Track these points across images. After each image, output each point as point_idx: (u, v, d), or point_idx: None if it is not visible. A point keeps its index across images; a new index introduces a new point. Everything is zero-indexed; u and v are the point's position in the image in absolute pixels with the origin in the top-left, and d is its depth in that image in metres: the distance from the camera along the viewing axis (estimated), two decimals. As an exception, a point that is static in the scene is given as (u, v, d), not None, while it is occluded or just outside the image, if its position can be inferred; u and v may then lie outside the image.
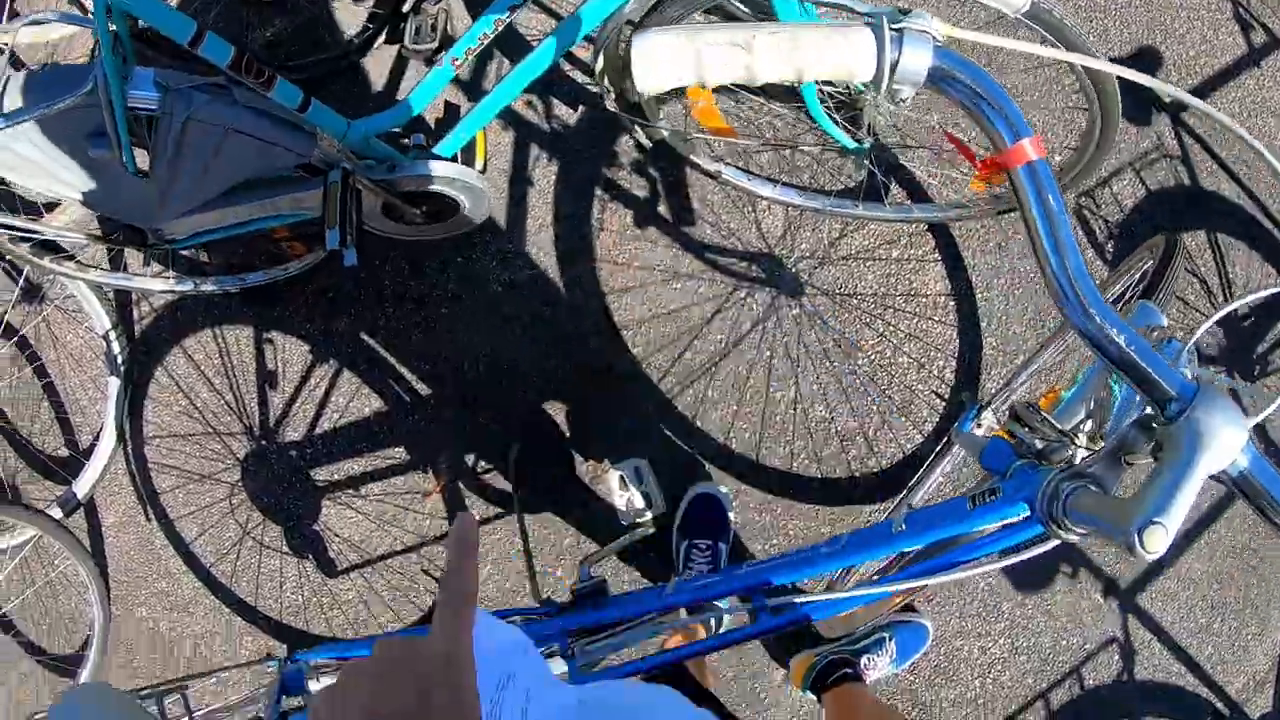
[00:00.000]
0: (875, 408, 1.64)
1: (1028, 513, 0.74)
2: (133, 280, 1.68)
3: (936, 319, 1.64)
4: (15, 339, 1.76)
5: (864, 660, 1.55)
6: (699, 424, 1.66)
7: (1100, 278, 1.54)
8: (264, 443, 1.73)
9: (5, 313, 1.72)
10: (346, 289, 1.71)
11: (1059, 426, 0.80)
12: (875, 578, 1.23)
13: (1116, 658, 1.63)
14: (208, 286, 1.68)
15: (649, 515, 1.14)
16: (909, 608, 1.63)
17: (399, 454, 1.70)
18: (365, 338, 1.70)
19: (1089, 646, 1.63)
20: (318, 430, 1.72)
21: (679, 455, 1.65)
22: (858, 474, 1.64)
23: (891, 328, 1.65)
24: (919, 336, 1.64)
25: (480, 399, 1.68)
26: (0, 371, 1.78)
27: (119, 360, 1.71)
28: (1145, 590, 1.63)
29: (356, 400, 1.71)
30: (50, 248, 1.55)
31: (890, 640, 1.58)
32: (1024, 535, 0.77)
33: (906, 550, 0.91)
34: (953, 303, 1.64)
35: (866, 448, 1.64)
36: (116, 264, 1.71)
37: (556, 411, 1.67)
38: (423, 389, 1.70)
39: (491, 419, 1.68)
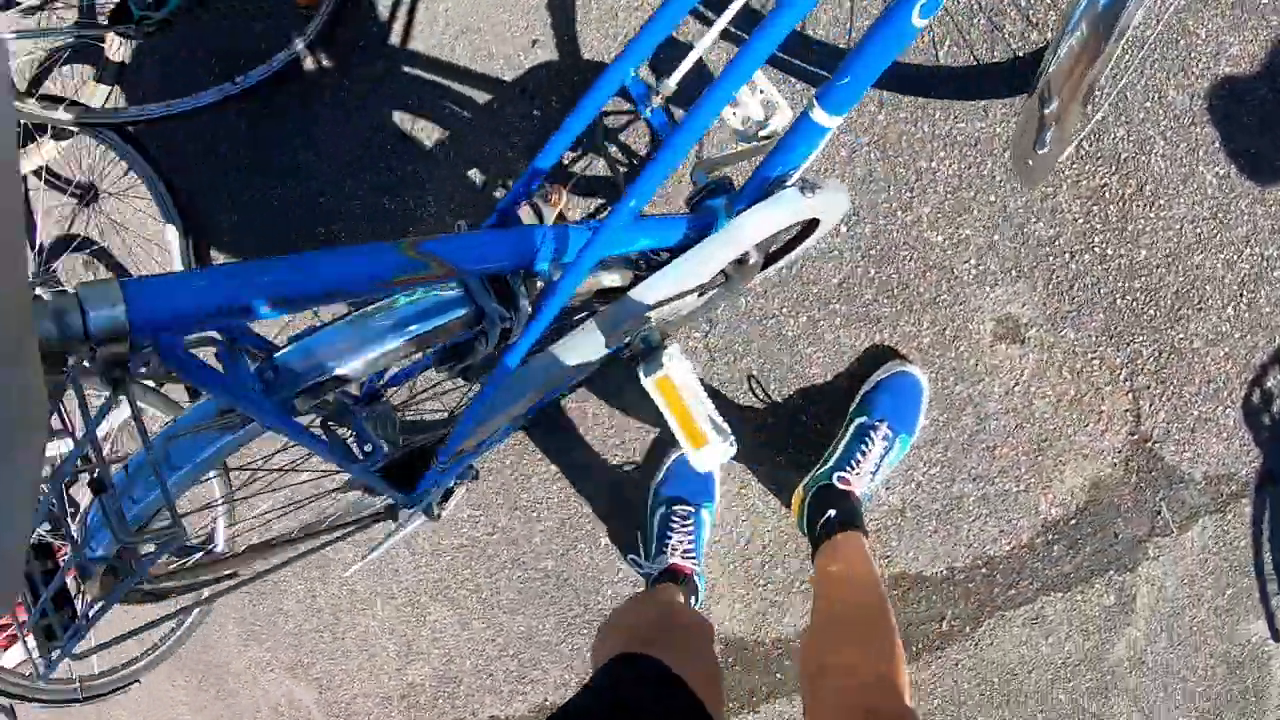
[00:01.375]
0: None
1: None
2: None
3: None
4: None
5: (850, 475, 1.39)
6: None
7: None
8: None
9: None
10: (370, 30, 1.66)
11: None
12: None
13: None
14: (208, 97, 1.65)
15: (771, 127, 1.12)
16: (887, 357, 1.48)
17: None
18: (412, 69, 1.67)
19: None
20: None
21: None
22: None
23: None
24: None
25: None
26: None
27: (169, 207, 1.76)
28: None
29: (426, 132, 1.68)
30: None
31: (874, 425, 1.40)
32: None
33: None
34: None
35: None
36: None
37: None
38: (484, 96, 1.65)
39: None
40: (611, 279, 1.04)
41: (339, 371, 0.76)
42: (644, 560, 1.55)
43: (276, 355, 0.76)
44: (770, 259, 1.26)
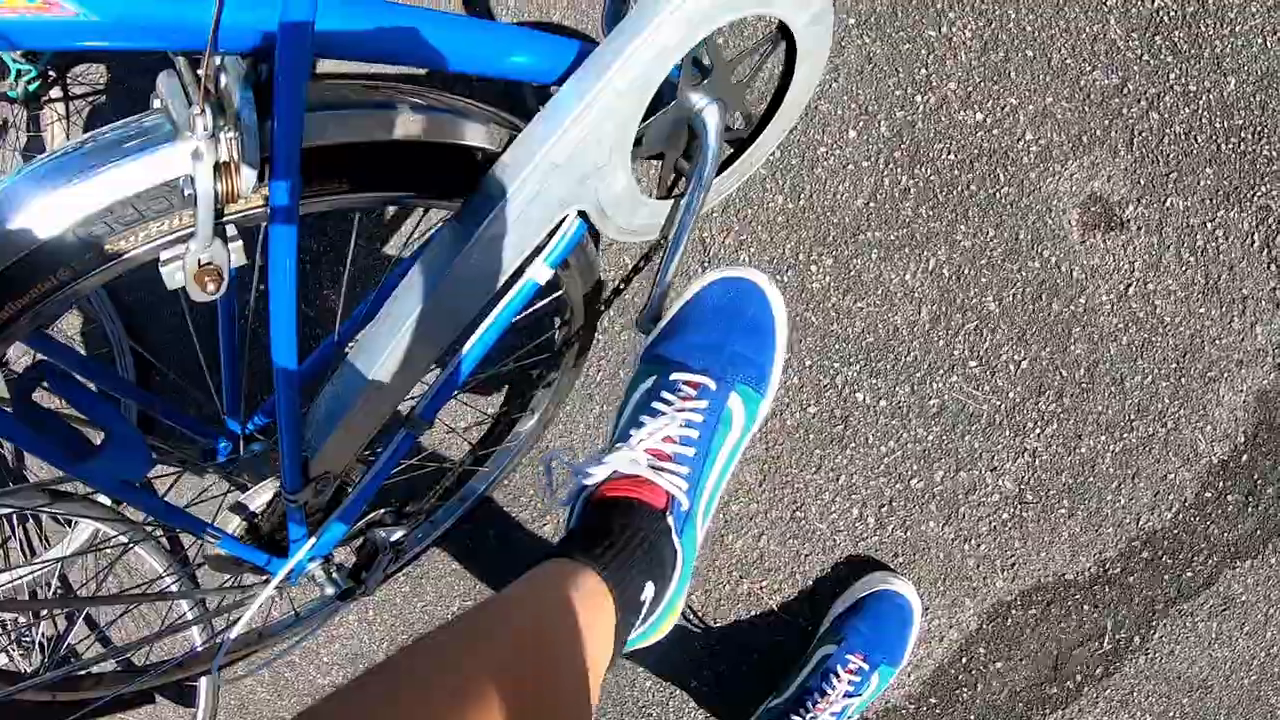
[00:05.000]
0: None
1: None
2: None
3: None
4: None
5: (815, 708, 1.10)
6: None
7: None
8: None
9: None
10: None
11: None
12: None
13: None
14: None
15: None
16: (868, 570, 1.18)
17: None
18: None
19: None
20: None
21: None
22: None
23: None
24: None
25: None
26: None
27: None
28: None
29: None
30: None
31: (844, 659, 1.10)
32: None
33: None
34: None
35: None
36: None
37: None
38: None
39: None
40: (474, 133, 0.69)
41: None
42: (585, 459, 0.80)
43: None
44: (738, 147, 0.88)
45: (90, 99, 1.55)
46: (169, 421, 0.97)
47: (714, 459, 0.79)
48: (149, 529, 1.18)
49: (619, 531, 0.71)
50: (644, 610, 0.72)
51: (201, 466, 0.98)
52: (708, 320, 0.83)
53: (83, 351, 1.57)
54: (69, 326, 1.59)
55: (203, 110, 0.56)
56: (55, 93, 1.51)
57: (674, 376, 0.80)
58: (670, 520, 0.74)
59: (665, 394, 0.79)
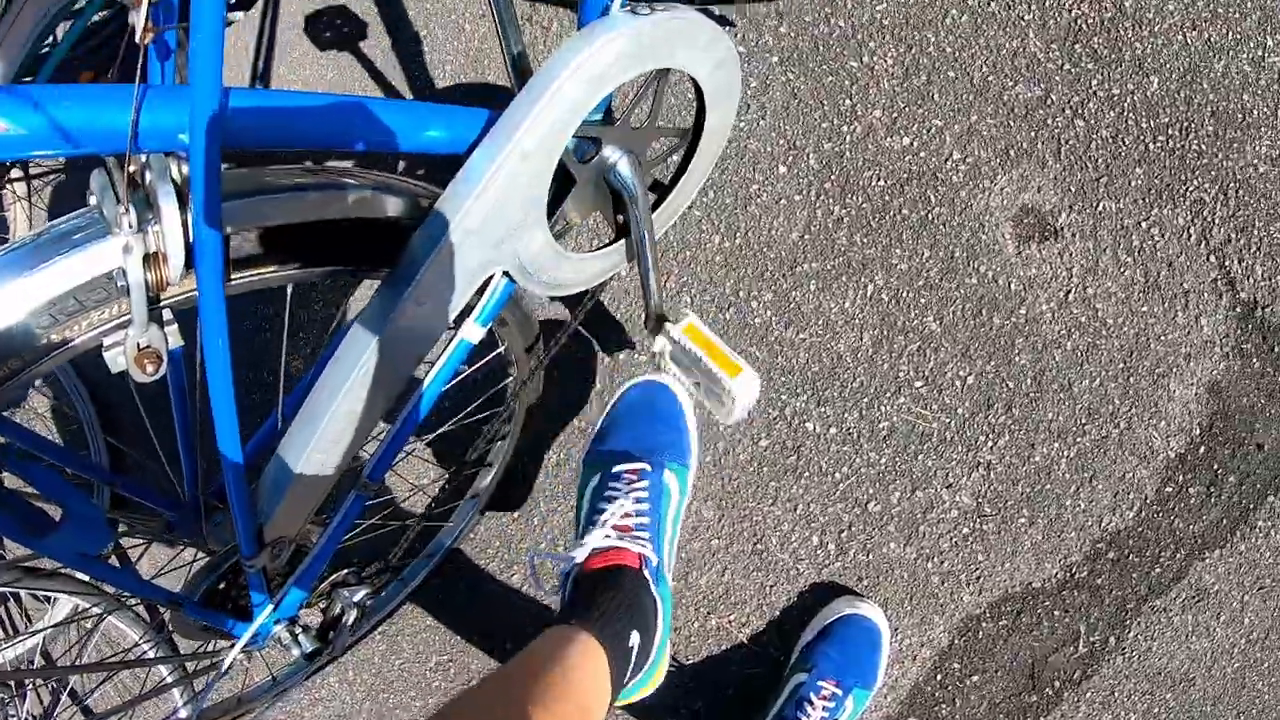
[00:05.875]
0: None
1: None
2: None
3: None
4: None
5: None
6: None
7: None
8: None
9: None
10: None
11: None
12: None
13: None
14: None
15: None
16: (833, 596, 1.21)
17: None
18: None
19: None
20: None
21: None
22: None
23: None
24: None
25: None
26: None
27: None
28: None
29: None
30: None
31: (816, 686, 1.13)
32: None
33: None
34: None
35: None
36: None
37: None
38: None
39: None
40: (395, 206, 0.73)
41: None
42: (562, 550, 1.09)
43: None
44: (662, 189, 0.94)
45: (50, 178, 1.59)
46: (133, 496, 1.01)
47: (664, 522, 1.00)
48: (122, 599, 1.21)
49: (605, 596, 0.88)
50: (633, 658, 0.86)
51: (167, 537, 1.02)
52: (630, 420, 1.07)
53: (55, 428, 1.61)
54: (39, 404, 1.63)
55: (126, 209, 0.60)
56: (16, 173, 1.55)
57: (616, 469, 1.02)
58: (646, 574, 0.93)
59: (613, 484, 1.01)
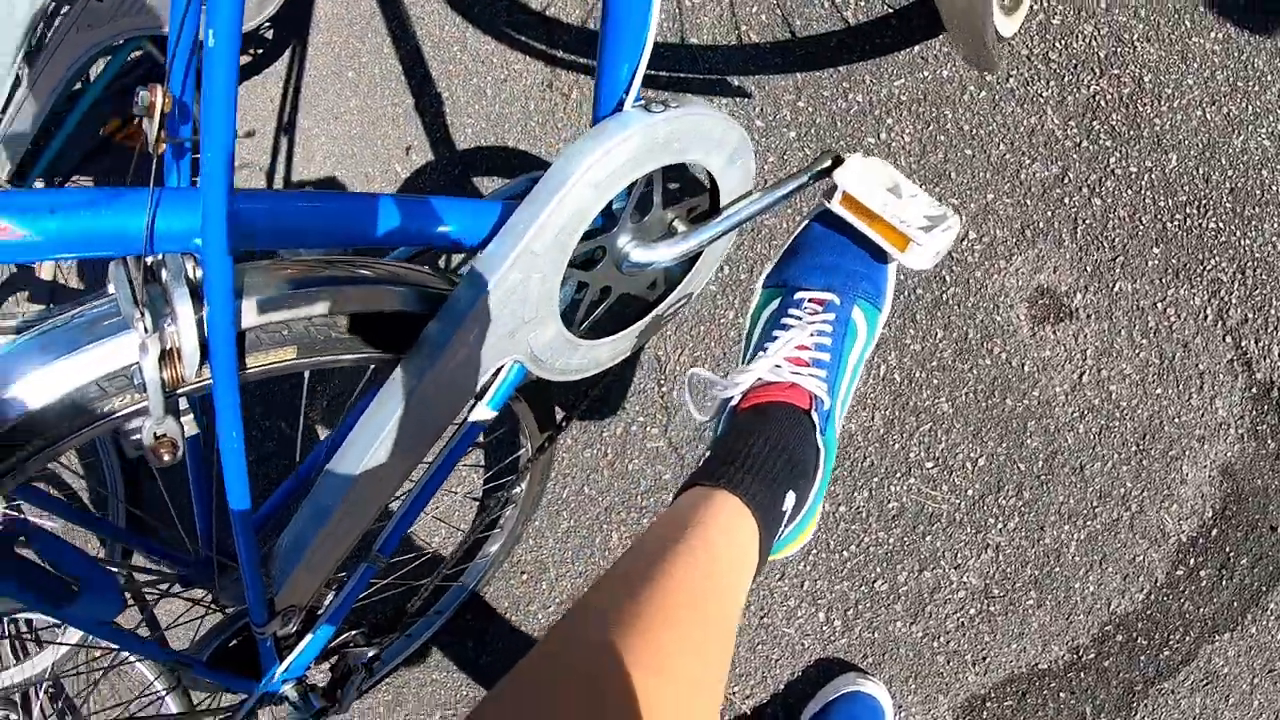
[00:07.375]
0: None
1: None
2: None
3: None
4: None
5: None
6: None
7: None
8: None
9: None
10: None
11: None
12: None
13: None
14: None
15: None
16: (838, 671, 1.20)
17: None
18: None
19: None
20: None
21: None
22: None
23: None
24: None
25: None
26: None
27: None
28: None
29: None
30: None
31: None
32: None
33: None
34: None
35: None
36: None
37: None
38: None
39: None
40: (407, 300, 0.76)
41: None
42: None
43: None
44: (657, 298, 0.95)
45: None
46: (152, 556, 1.04)
47: (845, 365, 0.84)
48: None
49: (763, 442, 0.74)
50: (785, 519, 0.75)
51: (183, 595, 1.04)
52: (820, 245, 0.89)
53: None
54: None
55: (142, 313, 0.62)
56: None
57: (799, 295, 0.86)
58: (815, 417, 0.79)
59: (793, 311, 0.85)
